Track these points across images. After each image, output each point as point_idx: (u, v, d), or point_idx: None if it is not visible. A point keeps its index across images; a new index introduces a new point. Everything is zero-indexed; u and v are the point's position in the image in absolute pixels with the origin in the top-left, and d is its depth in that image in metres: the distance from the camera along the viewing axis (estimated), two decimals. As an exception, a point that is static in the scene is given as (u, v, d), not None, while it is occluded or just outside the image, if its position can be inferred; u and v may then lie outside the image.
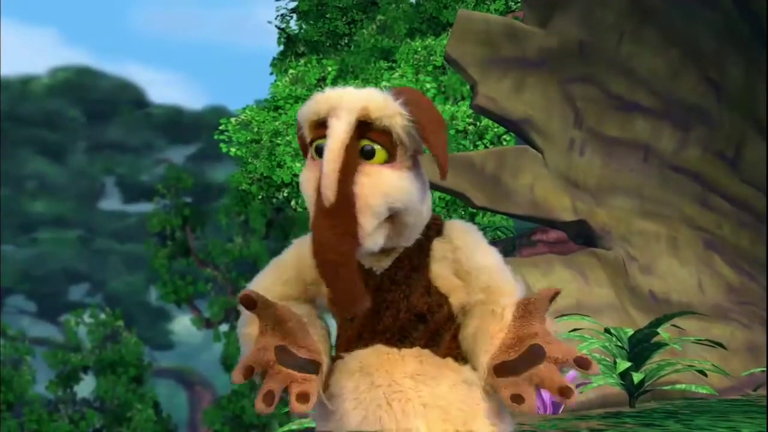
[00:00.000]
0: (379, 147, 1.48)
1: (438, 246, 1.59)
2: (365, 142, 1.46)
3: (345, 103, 1.47)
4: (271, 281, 1.62)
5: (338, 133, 1.44)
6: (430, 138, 1.50)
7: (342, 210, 1.41)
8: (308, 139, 1.53)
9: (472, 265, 1.60)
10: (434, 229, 1.61)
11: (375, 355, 1.54)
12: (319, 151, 1.49)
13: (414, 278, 1.56)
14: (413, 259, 1.58)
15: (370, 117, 1.46)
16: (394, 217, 1.49)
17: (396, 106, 1.48)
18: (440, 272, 1.58)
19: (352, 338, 1.58)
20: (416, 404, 1.51)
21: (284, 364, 1.50)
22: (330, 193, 1.41)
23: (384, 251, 1.54)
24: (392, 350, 1.55)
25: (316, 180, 1.45)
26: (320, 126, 1.49)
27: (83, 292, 27.53)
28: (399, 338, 1.55)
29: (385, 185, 1.46)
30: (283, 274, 1.62)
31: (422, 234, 1.58)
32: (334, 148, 1.43)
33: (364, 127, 1.46)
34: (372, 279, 1.56)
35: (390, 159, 1.49)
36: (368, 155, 1.47)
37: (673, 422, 4.24)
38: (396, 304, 1.55)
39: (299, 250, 1.63)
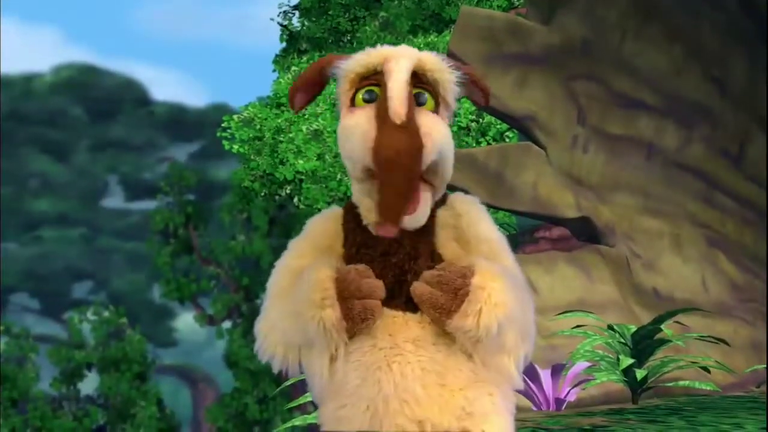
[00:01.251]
0: (429, 97, 1.57)
1: (442, 214, 1.62)
2: (417, 91, 1.54)
3: (402, 52, 1.57)
4: (311, 260, 1.62)
5: (402, 67, 1.52)
6: (479, 82, 1.63)
7: (411, 128, 1.47)
8: (351, 91, 1.58)
9: (473, 233, 1.62)
10: (440, 199, 1.65)
11: (380, 319, 1.56)
12: (369, 98, 1.55)
13: (420, 244, 1.58)
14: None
15: (423, 68, 1.55)
16: (435, 165, 1.56)
17: (446, 63, 1.58)
18: (444, 240, 1.61)
19: None
20: (415, 368, 1.53)
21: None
22: (400, 110, 1.46)
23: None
24: (398, 314, 1.57)
25: (367, 120, 1.51)
26: (366, 78, 1.56)
27: (87, 289, 27.59)
28: (404, 302, 1.58)
29: (442, 127, 1.56)
30: (317, 248, 1.65)
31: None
32: (400, 77, 1.50)
33: (415, 78, 1.54)
34: (379, 244, 1.58)
35: (436, 111, 1.58)
36: (420, 102, 1.55)
37: (677, 419, 4.24)
38: (402, 268, 1.58)
39: (324, 223, 1.68)
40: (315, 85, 1.65)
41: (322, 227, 1.67)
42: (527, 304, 1.60)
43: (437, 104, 1.58)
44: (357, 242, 1.61)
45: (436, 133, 1.52)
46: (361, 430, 1.54)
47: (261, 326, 1.63)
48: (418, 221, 1.55)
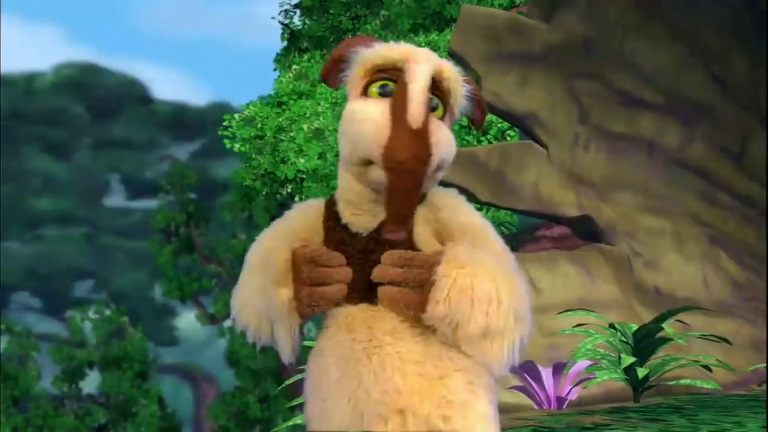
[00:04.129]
0: (440, 104, 1.60)
1: (421, 211, 1.63)
2: (430, 96, 1.57)
3: (425, 55, 1.59)
4: (282, 244, 1.66)
5: (425, 73, 1.55)
6: (482, 103, 1.68)
7: (423, 135, 1.51)
8: (364, 79, 1.61)
9: (455, 225, 1.63)
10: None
11: (359, 313, 1.59)
12: (384, 92, 1.57)
13: (399, 242, 1.60)
14: None
15: (441, 76, 1.59)
16: (436, 171, 1.60)
17: (460, 74, 1.63)
18: (424, 237, 1.63)
19: None
20: (394, 359, 1.55)
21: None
22: (420, 117, 1.50)
23: (371, 212, 1.61)
24: (375, 308, 1.58)
25: (382, 114, 1.53)
26: (381, 71, 1.58)
27: (88, 288, 27.62)
28: None
29: (449, 137, 1.59)
30: (295, 237, 1.67)
31: None
32: (423, 83, 1.53)
33: (431, 84, 1.58)
34: (358, 241, 1.61)
35: (442, 118, 1.62)
36: (432, 108, 1.58)
37: (678, 417, 4.24)
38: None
39: (306, 214, 1.70)
40: (338, 69, 1.67)
41: (303, 221, 1.70)
42: (515, 285, 1.58)
43: (445, 112, 1.61)
44: (335, 239, 1.63)
45: (444, 141, 1.56)
46: (343, 422, 1.55)
47: (236, 298, 1.69)
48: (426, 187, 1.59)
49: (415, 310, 1.53)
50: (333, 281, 1.56)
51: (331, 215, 1.66)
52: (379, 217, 1.60)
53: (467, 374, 1.58)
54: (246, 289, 1.67)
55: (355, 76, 1.61)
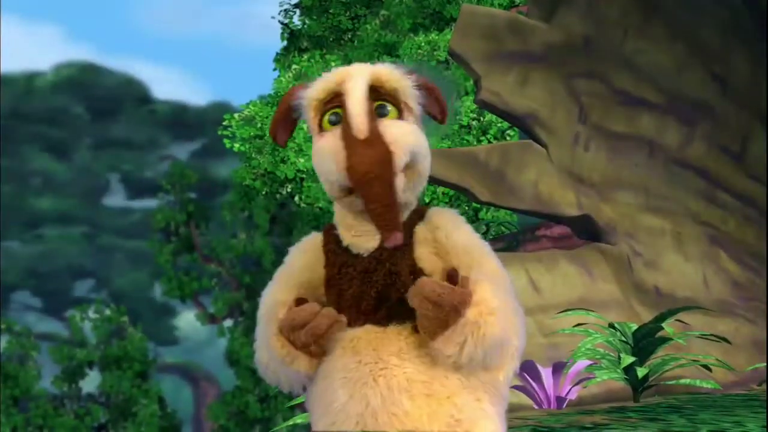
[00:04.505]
0: (391, 107, 1.62)
1: (420, 230, 1.65)
2: (378, 103, 1.60)
3: (356, 70, 1.63)
4: (286, 293, 1.69)
5: (358, 85, 1.57)
6: (435, 92, 1.66)
7: (376, 140, 1.53)
8: (317, 117, 1.64)
9: (451, 244, 1.64)
10: (418, 214, 1.68)
11: (364, 335, 1.59)
12: (335, 120, 1.60)
13: (400, 260, 1.61)
14: None
15: (380, 80, 1.61)
16: (409, 167, 1.59)
17: (401, 71, 1.64)
18: (424, 254, 1.64)
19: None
20: (401, 380, 1.55)
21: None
22: (362, 127, 1.53)
23: (371, 233, 1.61)
24: (380, 329, 1.59)
25: (335, 141, 1.56)
26: (328, 103, 1.62)
27: (88, 288, 27.61)
28: (386, 318, 1.61)
29: (407, 130, 1.60)
30: (293, 281, 1.70)
31: (407, 218, 1.65)
32: (357, 95, 1.56)
33: (374, 92, 1.60)
34: (360, 262, 1.62)
35: (399, 118, 1.63)
36: (382, 114, 1.60)
37: (678, 417, 4.24)
38: (383, 285, 1.61)
39: (302, 251, 1.72)
40: (288, 121, 1.70)
41: (302, 261, 1.72)
42: (517, 321, 1.60)
43: (400, 111, 1.62)
44: (338, 262, 1.65)
45: (402, 137, 1.57)
46: None
47: (259, 356, 1.70)
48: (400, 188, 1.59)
49: (427, 331, 1.53)
50: (324, 329, 1.56)
51: (332, 239, 1.68)
52: (378, 238, 1.60)
53: (475, 391, 1.59)
54: (262, 348, 1.70)
55: (308, 118, 1.65)
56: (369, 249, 1.62)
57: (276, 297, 1.68)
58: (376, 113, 1.58)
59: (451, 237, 1.64)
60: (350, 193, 1.57)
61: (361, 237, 1.63)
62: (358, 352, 1.58)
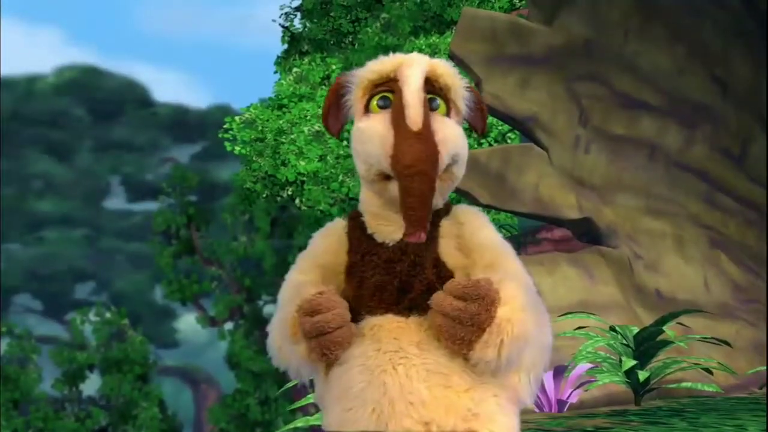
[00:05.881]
0: (441, 101, 1.62)
1: (445, 224, 1.65)
2: (429, 96, 1.59)
3: (415, 59, 1.62)
4: (307, 272, 1.68)
5: (416, 75, 1.57)
6: (482, 103, 1.69)
7: (427, 135, 1.53)
8: (364, 98, 1.64)
9: (475, 241, 1.64)
10: (444, 209, 1.68)
11: (386, 323, 1.59)
12: (383, 104, 1.60)
13: (424, 252, 1.61)
14: None
15: (435, 73, 1.61)
16: (447, 170, 1.59)
17: (456, 69, 1.65)
18: (447, 249, 1.62)
19: (364, 308, 1.63)
20: (420, 370, 1.55)
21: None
22: (418, 119, 1.52)
23: (397, 223, 1.61)
24: (401, 319, 1.59)
25: (384, 125, 1.55)
26: (379, 85, 1.62)
27: (89, 290, 27.60)
28: (408, 308, 1.60)
29: (457, 132, 1.61)
30: (317, 263, 1.69)
31: (433, 212, 1.65)
32: (415, 85, 1.55)
33: (427, 84, 1.59)
34: (384, 251, 1.62)
35: (448, 115, 1.63)
36: (433, 108, 1.60)
37: (679, 420, 4.23)
38: (406, 275, 1.61)
39: (326, 236, 1.72)
40: (339, 108, 1.70)
41: (324, 244, 1.71)
42: (544, 319, 1.62)
43: (449, 109, 1.63)
44: (362, 250, 1.64)
45: (450, 137, 1.57)
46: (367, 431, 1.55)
47: (273, 338, 1.68)
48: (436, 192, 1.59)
49: (461, 346, 1.52)
50: (330, 329, 1.55)
51: (357, 226, 1.67)
52: (404, 227, 1.60)
53: (493, 387, 1.59)
54: (279, 328, 1.67)
55: (355, 98, 1.65)
56: (394, 239, 1.62)
57: (296, 277, 1.68)
58: (428, 105, 1.58)
59: (475, 234, 1.64)
60: (386, 179, 1.57)
61: (387, 226, 1.63)
62: (378, 340, 1.57)
